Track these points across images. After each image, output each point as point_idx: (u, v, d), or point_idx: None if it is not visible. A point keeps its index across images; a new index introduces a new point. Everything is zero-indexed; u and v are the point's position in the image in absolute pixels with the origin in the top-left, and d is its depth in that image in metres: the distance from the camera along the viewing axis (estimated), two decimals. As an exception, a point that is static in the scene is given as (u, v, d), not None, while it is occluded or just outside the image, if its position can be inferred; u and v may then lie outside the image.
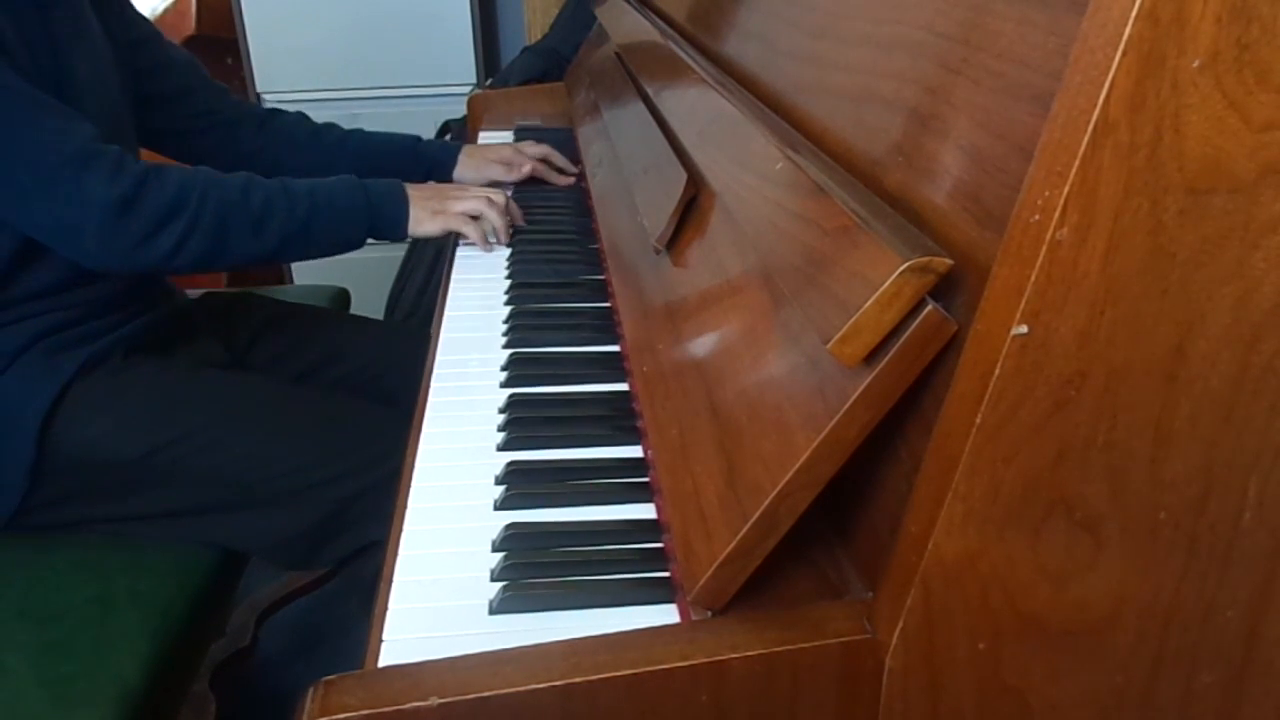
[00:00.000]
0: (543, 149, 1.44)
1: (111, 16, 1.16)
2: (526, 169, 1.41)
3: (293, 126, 1.37)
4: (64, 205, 0.96)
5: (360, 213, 1.11)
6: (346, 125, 1.40)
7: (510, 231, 1.21)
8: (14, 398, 1.01)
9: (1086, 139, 0.42)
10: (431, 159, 1.39)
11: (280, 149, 1.35)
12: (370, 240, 1.14)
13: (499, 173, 1.40)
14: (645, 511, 0.70)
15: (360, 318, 1.46)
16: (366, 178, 1.40)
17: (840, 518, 0.61)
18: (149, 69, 1.22)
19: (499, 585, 0.62)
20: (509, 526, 0.68)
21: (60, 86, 1.02)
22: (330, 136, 1.38)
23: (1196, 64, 0.41)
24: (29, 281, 1.03)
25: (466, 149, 1.41)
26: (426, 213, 1.14)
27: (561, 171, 1.44)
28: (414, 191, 1.15)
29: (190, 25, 2.42)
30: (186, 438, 1.03)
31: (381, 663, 0.57)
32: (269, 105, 2.29)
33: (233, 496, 1.04)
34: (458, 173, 1.40)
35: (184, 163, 1.33)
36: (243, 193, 1.04)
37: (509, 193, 1.41)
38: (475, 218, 1.17)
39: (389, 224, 1.13)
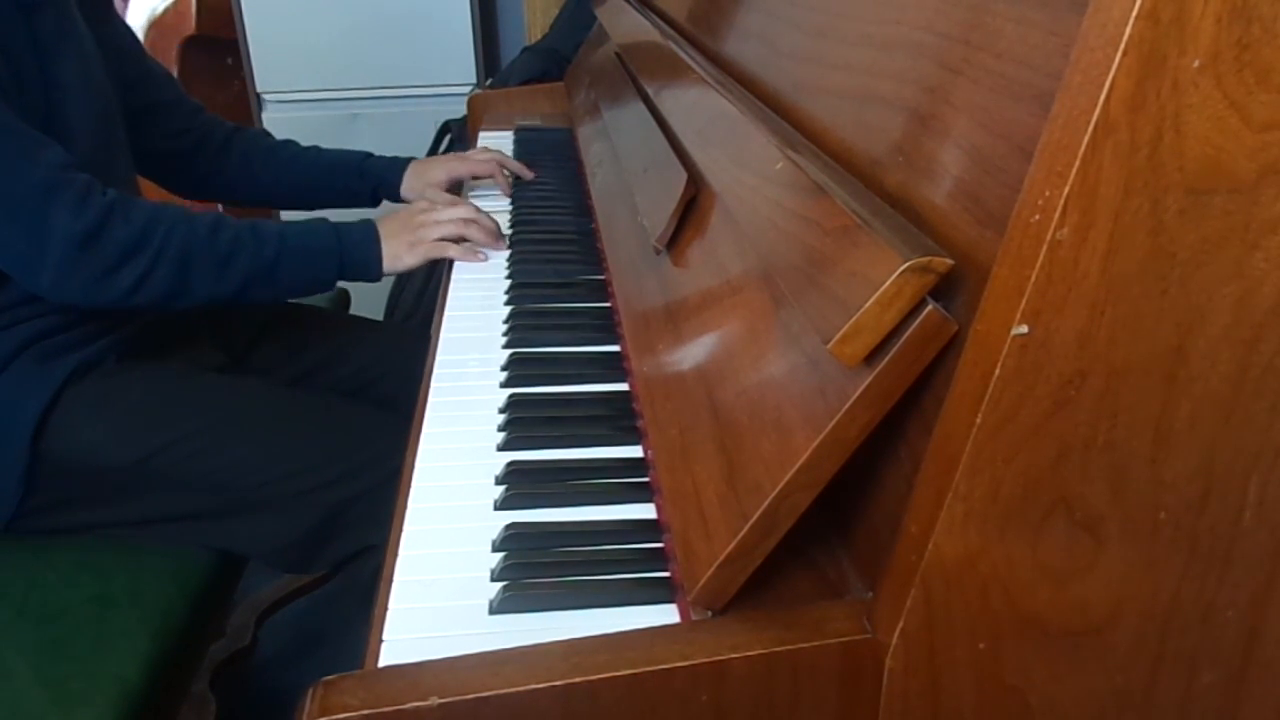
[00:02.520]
0: (492, 155, 1.40)
1: (98, 18, 1.15)
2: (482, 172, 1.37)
3: (251, 144, 1.35)
4: (24, 236, 0.95)
5: (330, 255, 1.09)
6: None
7: (499, 238, 1.19)
8: (7, 403, 1.01)
9: (1087, 139, 0.42)
10: (377, 176, 1.37)
11: (237, 168, 1.33)
12: (341, 283, 1.12)
13: (443, 192, 1.35)
14: (645, 511, 0.70)
15: (360, 319, 1.45)
16: (314, 193, 1.36)
17: (840, 518, 0.61)
18: (132, 79, 1.20)
19: (499, 585, 0.63)
20: (509, 526, 0.68)
21: (46, 90, 1.01)
22: (285, 153, 1.36)
23: (1197, 64, 0.41)
24: (20, 286, 1.02)
25: (413, 165, 1.37)
26: (403, 246, 1.12)
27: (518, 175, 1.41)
28: (385, 228, 1.12)
29: (190, 25, 2.42)
30: (180, 443, 1.02)
31: (381, 663, 0.57)
32: (269, 104, 2.30)
33: (228, 501, 1.03)
34: (403, 190, 1.37)
35: (145, 178, 1.30)
36: (210, 231, 1.02)
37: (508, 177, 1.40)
38: (454, 238, 1.15)
39: (360, 266, 1.11)
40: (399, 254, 1.12)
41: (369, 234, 1.11)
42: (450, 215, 1.16)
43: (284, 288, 1.09)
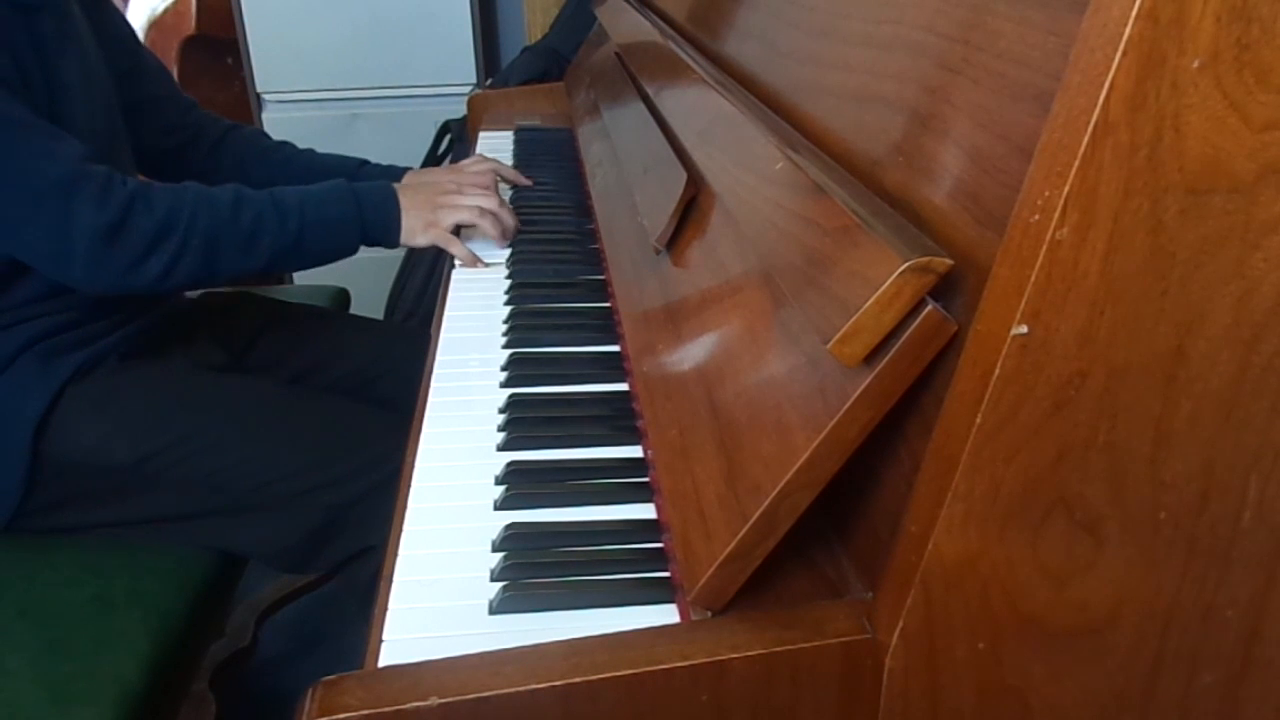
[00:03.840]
0: (488, 166, 1.37)
1: (96, 11, 1.14)
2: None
3: (246, 144, 1.35)
4: (51, 232, 0.95)
5: (352, 223, 1.09)
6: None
7: (511, 235, 1.19)
8: (8, 402, 1.01)
9: (1086, 139, 0.42)
10: None
11: (228, 169, 1.32)
12: (364, 248, 1.12)
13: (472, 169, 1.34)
14: (645, 511, 0.70)
15: (360, 318, 1.45)
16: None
17: (840, 518, 0.61)
18: (127, 71, 1.20)
19: (499, 585, 0.62)
20: (509, 526, 0.68)
21: (50, 92, 1.01)
22: (279, 155, 1.36)
23: (1196, 64, 0.41)
24: (23, 286, 1.02)
25: (409, 177, 1.33)
26: (420, 224, 1.12)
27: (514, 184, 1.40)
28: (406, 198, 1.12)
29: (190, 25, 2.42)
30: (181, 443, 1.02)
31: (381, 663, 0.57)
32: (269, 104, 2.30)
33: (228, 501, 1.04)
34: None
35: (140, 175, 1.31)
36: (232, 209, 1.03)
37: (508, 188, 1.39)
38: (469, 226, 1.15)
39: (381, 231, 1.11)
40: (415, 231, 1.12)
41: (389, 201, 1.12)
42: (472, 202, 1.16)
43: (309, 258, 1.10)
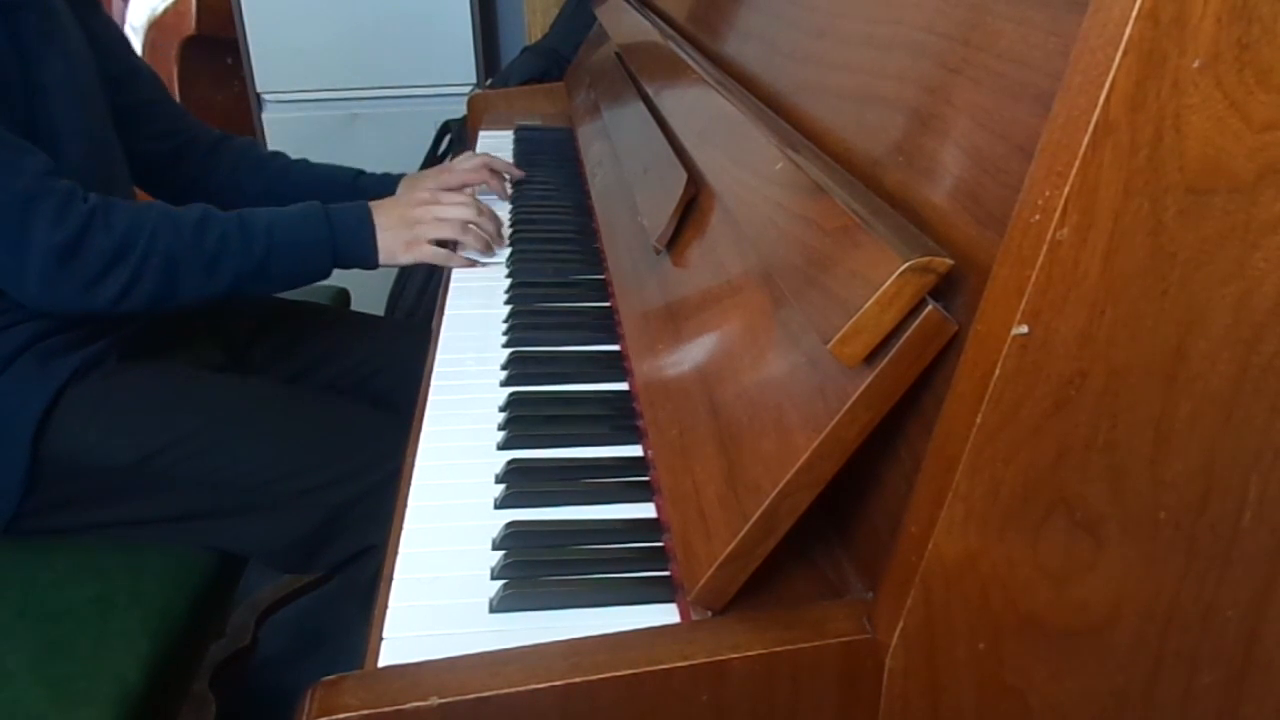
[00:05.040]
0: (479, 160, 1.36)
1: (88, 11, 1.13)
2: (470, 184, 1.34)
3: (240, 153, 1.34)
4: (5, 249, 0.94)
5: (323, 246, 1.07)
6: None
7: (498, 240, 1.18)
8: (8, 403, 1.01)
9: (1087, 139, 0.42)
10: (369, 194, 1.31)
11: (224, 176, 1.32)
12: (341, 274, 1.10)
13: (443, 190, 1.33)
14: (645, 511, 0.70)
15: (360, 315, 1.45)
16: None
17: (840, 518, 0.61)
18: (118, 76, 1.19)
19: (499, 583, 0.63)
20: (509, 525, 0.68)
21: (28, 93, 1.00)
22: (275, 165, 1.35)
23: (1197, 64, 0.41)
24: None
25: (404, 181, 1.35)
26: (399, 244, 1.10)
27: (506, 174, 1.39)
28: (381, 218, 1.10)
29: (190, 25, 2.42)
30: (181, 443, 1.02)
31: (381, 661, 0.57)
32: (269, 104, 2.30)
33: (229, 501, 1.03)
34: None
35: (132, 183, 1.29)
36: (196, 231, 1.01)
37: (506, 181, 1.39)
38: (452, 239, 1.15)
39: (356, 254, 1.09)
40: (394, 251, 1.11)
41: (363, 221, 1.10)
42: (450, 215, 1.15)
43: (277, 283, 1.09)
